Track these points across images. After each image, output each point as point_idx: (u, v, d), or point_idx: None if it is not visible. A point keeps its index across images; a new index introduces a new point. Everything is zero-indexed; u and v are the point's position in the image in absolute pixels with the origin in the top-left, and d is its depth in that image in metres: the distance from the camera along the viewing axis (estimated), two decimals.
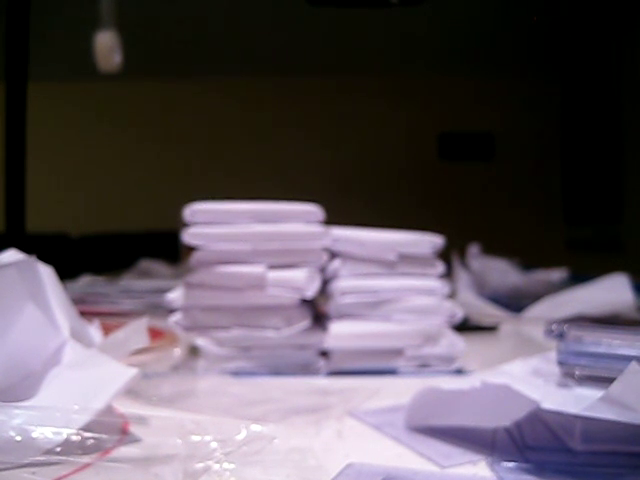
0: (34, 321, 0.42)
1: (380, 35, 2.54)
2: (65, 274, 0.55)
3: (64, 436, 0.34)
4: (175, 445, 0.36)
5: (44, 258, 0.47)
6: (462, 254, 1.17)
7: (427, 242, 0.64)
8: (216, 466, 0.34)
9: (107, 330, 0.54)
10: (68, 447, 0.34)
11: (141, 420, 0.41)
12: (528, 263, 1.27)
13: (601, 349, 0.40)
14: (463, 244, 1.19)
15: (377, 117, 3.35)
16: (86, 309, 0.75)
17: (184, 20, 2.45)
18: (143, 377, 0.42)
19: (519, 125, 3.33)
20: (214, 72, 3.10)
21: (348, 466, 0.35)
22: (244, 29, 2.54)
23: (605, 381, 0.36)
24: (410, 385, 0.49)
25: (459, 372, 0.61)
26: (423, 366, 0.62)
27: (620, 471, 0.34)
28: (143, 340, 0.47)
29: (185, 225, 0.61)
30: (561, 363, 0.41)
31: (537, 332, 0.67)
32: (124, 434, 0.39)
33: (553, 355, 0.43)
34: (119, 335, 0.47)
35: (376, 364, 0.61)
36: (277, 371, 0.60)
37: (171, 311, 0.62)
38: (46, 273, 0.46)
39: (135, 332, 0.47)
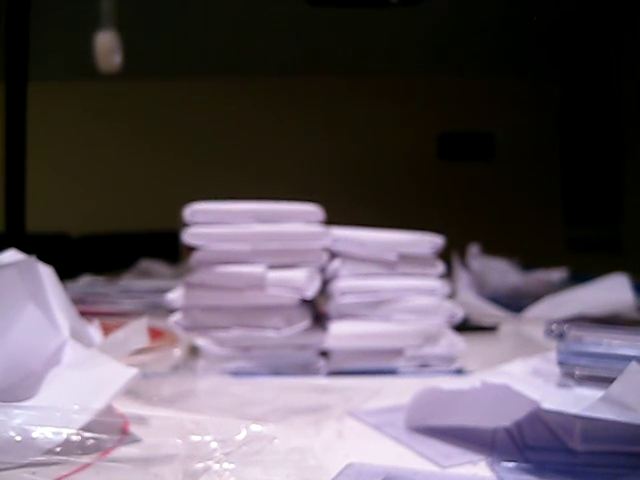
0: (34, 321, 0.42)
1: (380, 35, 2.54)
2: (65, 274, 0.55)
3: (64, 436, 0.34)
4: (175, 445, 0.36)
5: (44, 258, 0.47)
6: (462, 254, 1.17)
7: (427, 242, 0.64)
8: (216, 466, 0.34)
9: (107, 330, 0.54)
10: (68, 447, 0.34)
11: (141, 420, 0.41)
12: (528, 263, 1.27)
13: (601, 349, 0.40)
14: (463, 244, 1.19)
15: (377, 117, 3.34)
16: (86, 309, 0.75)
17: (184, 20, 2.45)
18: (143, 377, 0.42)
19: (519, 125, 3.33)
20: (214, 72, 3.10)
21: (348, 466, 0.35)
22: (244, 29, 2.54)
23: (605, 381, 0.36)
24: (410, 385, 0.50)
25: (459, 372, 0.61)
26: (423, 366, 0.62)
27: (620, 471, 0.34)
28: (143, 340, 0.47)
29: (185, 225, 0.61)
30: (561, 363, 0.41)
31: (537, 332, 0.67)
32: (124, 434, 0.39)
33: (553, 355, 0.43)
34: (119, 335, 0.47)
35: (376, 364, 0.61)
36: (277, 371, 0.60)
37: (171, 311, 0.62)
38: (46, 273, 0.46)
39: (135, 332, 0.47)
